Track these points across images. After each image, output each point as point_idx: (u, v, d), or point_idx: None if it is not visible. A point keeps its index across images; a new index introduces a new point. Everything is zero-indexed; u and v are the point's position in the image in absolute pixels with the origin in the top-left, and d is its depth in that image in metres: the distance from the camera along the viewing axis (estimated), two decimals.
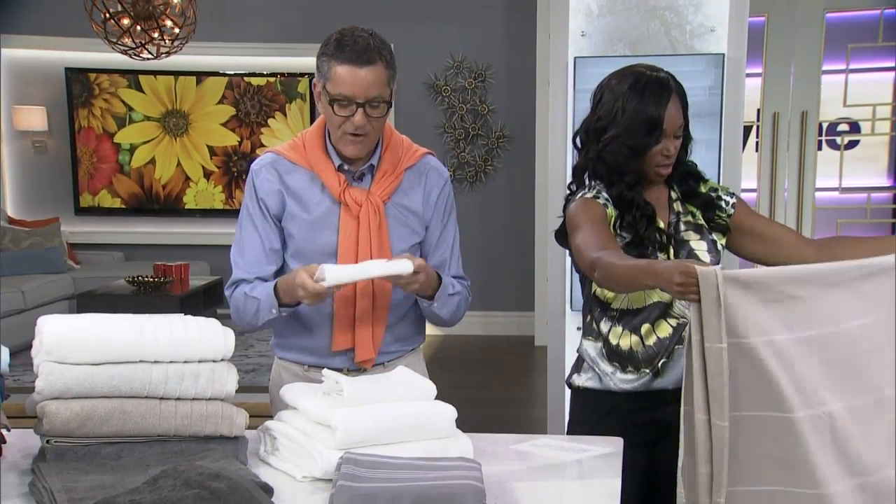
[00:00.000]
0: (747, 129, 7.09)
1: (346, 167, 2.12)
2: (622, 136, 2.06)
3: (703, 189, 2.19)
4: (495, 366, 6.59)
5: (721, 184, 2.37)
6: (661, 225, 2.11)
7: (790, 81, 7.05)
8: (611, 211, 2.07)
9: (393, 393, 1.79)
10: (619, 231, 2.08)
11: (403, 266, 1.96)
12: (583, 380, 2.17)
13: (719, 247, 2.17)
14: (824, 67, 7.04)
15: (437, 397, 1.84)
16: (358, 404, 1.73)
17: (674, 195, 2.18)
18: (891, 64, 7.15)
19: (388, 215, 2.13)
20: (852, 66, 7.03)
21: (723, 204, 2.17)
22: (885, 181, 7.32)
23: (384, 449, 1.70)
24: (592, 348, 2.15)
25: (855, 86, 7.02)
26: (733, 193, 2.22)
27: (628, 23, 3.40)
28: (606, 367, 2.12)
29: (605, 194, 2.09)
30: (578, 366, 2.20)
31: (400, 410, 1.76)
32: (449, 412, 1.80)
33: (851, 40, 7.00)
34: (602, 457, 1.84)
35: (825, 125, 7.16)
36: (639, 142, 2.05)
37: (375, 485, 1.51)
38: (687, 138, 2.15)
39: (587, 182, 2.15)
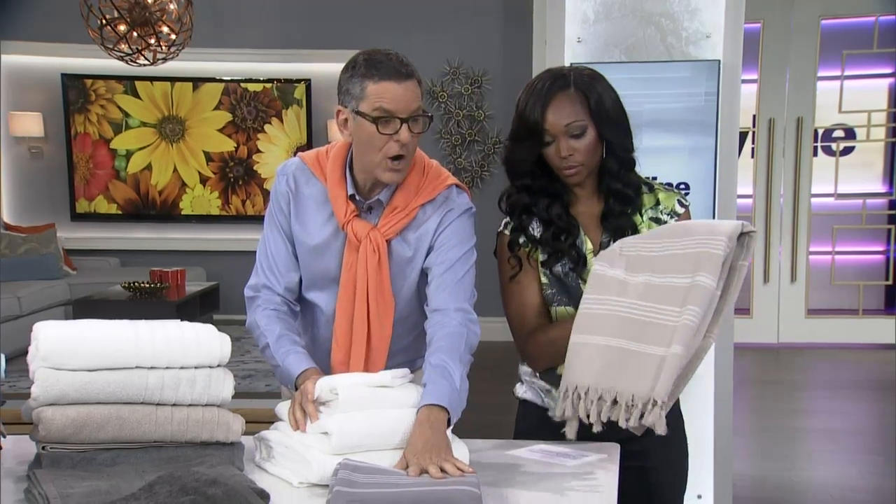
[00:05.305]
0: (743, 136, 7.12)
1: (357, 197, 2.03)
2: (513, 141, 2.03)
3: (639, 214, 2.00)
4: (490, 371, 6.54)
5: (674, 198, 2.05)
6: (589, 245, 1.99)
7: (786, 88, 7.07)
8: (524, 245, 2.01)
9: (389, 399, 1.79)
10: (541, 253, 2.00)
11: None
12: (523, 391, 2.16)
13: None
14: (820, 74, 7.06)
15: None
16: (354, 410, 1.73)
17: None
18: (886, 70, 7.18)
19: (393, 252, 2.04)
20: (847, 73, 7.06)
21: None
22: (880, 187, 7.34)
23: (380, 454, 1.70)
24: (526, 369, 2.14)
25: (850, 92, 7.05)
26: (680, 211, 2.02)
27: (624, 29, 3.40)
28: (542, 383, 2.09)
29: (513, 226, 2.03)
30: (521, 380, 2.18)
31: (396, 416, 1.76)
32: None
33: (846, 47, 7.02)
34: (598, 463, 1.84)
35: (821, 131, 7.18)
36: (524, 146, 2.00)
37: (372, 490, 1.51)
38: (614, 144, 1.96)
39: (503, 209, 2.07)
